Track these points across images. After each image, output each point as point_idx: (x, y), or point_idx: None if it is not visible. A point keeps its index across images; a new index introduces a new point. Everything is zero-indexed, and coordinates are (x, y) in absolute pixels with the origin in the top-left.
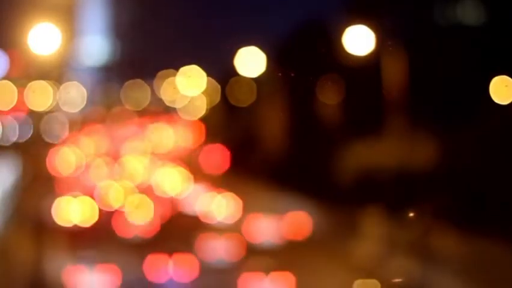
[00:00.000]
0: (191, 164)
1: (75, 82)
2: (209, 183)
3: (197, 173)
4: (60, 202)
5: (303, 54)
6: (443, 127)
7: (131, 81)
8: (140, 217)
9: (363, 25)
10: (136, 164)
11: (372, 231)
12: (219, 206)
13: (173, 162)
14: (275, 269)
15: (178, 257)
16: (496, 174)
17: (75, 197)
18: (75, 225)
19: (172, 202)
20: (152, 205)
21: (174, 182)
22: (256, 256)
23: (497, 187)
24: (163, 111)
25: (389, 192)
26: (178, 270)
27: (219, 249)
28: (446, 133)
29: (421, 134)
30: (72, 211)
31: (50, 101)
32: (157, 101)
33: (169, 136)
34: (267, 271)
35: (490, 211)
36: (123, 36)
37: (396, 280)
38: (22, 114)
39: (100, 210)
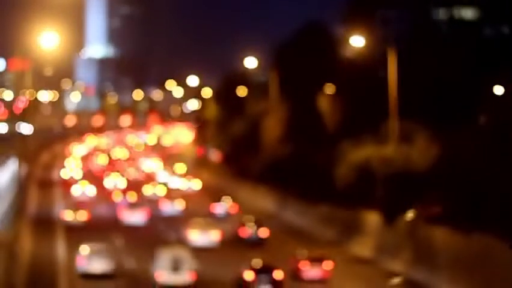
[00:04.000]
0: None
1: (79, 87)
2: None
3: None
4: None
5: (304, 58)
6: (442, 127)
7: (134, 88)
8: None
9: (363, 28)
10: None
11: (372, 230)
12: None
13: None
14: None
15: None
16: (495, 174)
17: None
18: (71, 177)
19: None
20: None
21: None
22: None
23: (496, 186)
24: (164, 115)
25: (389, 192)
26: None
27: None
28: (446, 133)
29: (421, 133)
30: (71, 167)
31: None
32: (158, 105)
33: (169, 135)
34: None
35: (489, 210)
36: (126, 45)
37: (397, 279)
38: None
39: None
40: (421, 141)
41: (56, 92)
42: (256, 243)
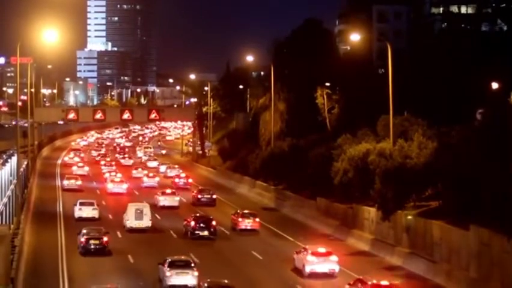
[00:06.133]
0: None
1: (80, 82)
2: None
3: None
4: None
5: (302, 54)
6: (440, 122)
7: (134, 84)
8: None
9: (361, 24)
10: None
11: (369, 224)
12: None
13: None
14: None
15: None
16: (492, 168)
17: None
18: (71, 162)
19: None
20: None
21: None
22: None
23: (493, 181)
24: (163, 111)
25: (387, 186)
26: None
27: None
28: (443, 127)
29: (418, 128)
30: (71, 156)
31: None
32: (158, 101)
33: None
34: None
35: (486, 204)
36: (126, 42)
37: (396, 281)
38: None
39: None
40: (419, 136)
41: (57, 87)
42: (208, 204)
